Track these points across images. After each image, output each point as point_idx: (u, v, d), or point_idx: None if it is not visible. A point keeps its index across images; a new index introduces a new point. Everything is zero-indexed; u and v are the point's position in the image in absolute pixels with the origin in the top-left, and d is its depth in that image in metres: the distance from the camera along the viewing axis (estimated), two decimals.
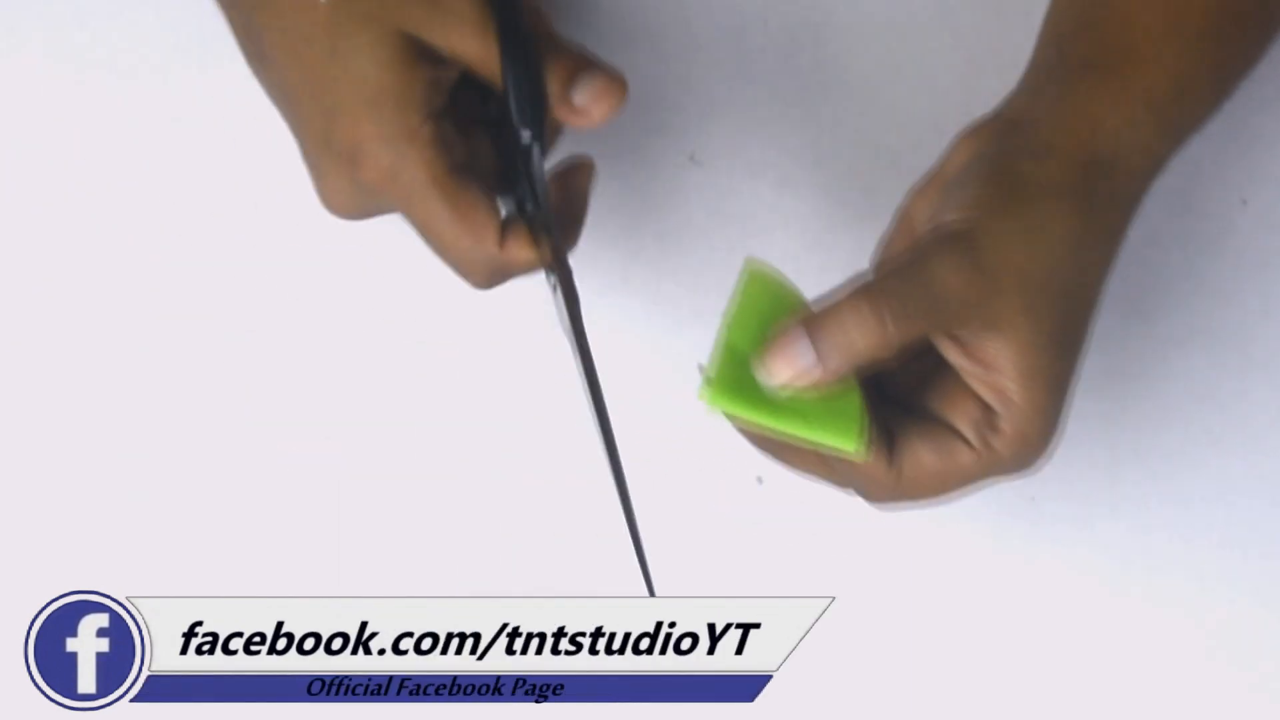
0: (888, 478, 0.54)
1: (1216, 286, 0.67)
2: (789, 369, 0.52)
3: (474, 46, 0.52)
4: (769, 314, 0.53)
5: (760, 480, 0.66)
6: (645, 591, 0.57)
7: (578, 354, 0.54)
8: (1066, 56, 0.57)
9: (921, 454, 0.54)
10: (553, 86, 0.53)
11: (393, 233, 0.66)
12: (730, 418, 0.53)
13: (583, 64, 0.54)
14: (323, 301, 0.66)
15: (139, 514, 0.65)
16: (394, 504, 0.65)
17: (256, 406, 0.65)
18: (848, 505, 0.66)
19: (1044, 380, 0.53)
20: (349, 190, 0.54)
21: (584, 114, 0.53)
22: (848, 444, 0.52)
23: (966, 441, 0.53)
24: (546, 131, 0.54)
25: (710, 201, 0.67)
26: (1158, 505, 0.67)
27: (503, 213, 0.54)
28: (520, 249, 0.53)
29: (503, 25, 0.52)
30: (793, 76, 0.67)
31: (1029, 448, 0.53)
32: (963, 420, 0.54)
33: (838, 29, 0.67)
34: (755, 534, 0.66)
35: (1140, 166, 0.55)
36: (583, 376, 0.54)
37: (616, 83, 0.53)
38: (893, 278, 0.52)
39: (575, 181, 0.56)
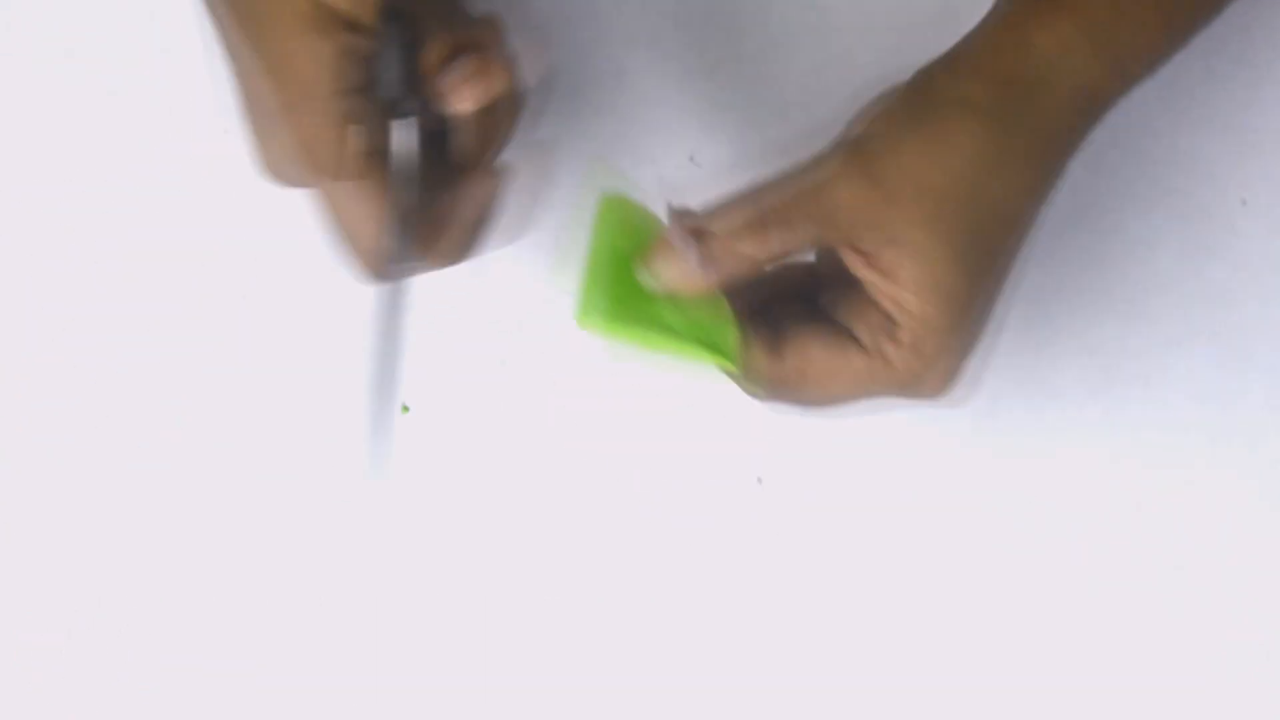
0: (772, 369, 0.53)
1: (1216, 286, 0.67)
2: (676, 275, 0.52)
3: (350, 3, 0.49)
4: (629, 235, 0.53)
5: (760, 480, 0.66)
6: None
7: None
8: None
9: (811, 348, 0.53)
10: (428, 63, 0.51)
11: None
12: (607, 338, 0.53)
13: (466, 46, 0.51)
14: (324, 311, 0.66)
15: (139, 517, 0.65)
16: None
17: (247, 418, 0.65)
18: (848, 505, 0.66)
19: (945, 295, 0.52)
20: (276, 160, 0.52)
21: (448, 98, 0.51)
22: (725, 360, 0.53)
23: (860, 345, 0.53)
24: (419, 109, 0.51)
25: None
26: (1157, 505, 0.67)
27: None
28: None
29: None
30: (792, 76, 0.67)
31: (923, 363, 0.53)
32: (861, 327, 0.53)
33: (838, 29, 0.67)
34: (755, 534, 0.66)
35: (1072, 95, 0.54)
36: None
37: (490, 72, 0.51)
38: (784, 184, 0.52)
39: (477, 191, 0.53)
